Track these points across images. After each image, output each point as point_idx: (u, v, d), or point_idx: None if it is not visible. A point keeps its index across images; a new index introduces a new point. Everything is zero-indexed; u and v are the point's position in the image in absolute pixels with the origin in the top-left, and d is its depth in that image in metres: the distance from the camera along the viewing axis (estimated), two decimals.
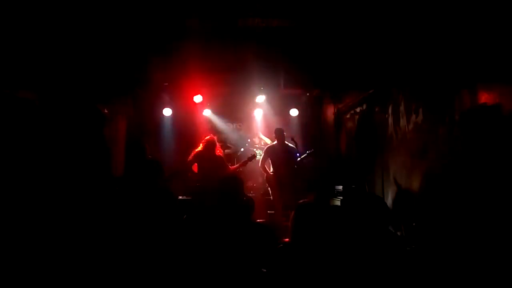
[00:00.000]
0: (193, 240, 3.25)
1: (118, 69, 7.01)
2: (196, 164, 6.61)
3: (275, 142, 7.04)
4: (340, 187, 7.30)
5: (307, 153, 6.89)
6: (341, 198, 7.16)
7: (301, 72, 7.84)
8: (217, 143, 6.83)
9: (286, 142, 6.98)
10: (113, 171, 7.86)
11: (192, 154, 6.61)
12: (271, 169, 6.94)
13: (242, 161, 7.07)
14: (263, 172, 7.09)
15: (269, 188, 7.01)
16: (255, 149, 8.57)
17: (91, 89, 6.43)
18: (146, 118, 9.04)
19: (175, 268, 3.07)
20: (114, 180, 7.40)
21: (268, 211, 7.30)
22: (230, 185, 3.52)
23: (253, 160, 6.88)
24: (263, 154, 7.14)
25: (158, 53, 6.86)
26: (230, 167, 6.71)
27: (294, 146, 6.97)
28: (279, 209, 6.75)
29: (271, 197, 6.98)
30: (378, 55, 6.07)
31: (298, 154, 6.87)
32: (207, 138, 6.70)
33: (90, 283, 3.18)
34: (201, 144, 6.66)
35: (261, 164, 7.03)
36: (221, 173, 6.21)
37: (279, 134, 6.98)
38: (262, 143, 8.90)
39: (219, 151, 6.74)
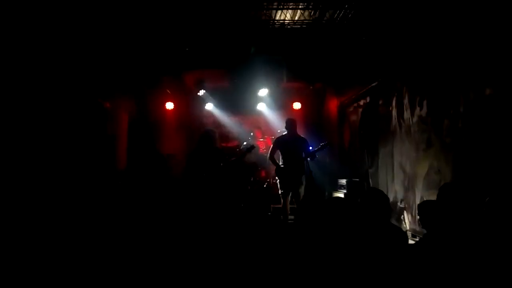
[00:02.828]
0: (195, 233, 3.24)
1: (122, 65, 6.99)
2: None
3: (285, 132, 6.54)
4: (344, 181, 7.26)
5: (321, 145, 6.30)
6: (345, 191, 7.13)
7: (304, 66, 7.80)
8: (216, 136, 6.44)
9: (297, 133, 6.49)
10: (115, 165, 7.90)
11: (189, 158, 6.14)
12: (281, 162, 6.42)
13: (241, 152, 6.97)
14: (272, 164, 6.61)
15: (277, 181, 6.51)
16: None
17: (94, 84, 6.42)
18: (148, 111, 9.05)
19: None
20: (117, 173, 7.43)
21: (272, 205, 7.23)
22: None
23: (252, 152, 6.70)
24: (272, 146, 6.68)
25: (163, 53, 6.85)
26: (230, 160, 6.58)
27: (305, 137, 6.54)
28: (286, 203, 6.31)
29: (279, 191, 6.43)
30: (382, 47, 6.01)
31: (310, 147, 6.47)
32: (203, 132, 6.30)
33: (95, 277, 3.18)
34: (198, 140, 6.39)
35: (269, 156, 6.58)
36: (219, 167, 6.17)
37: (290, 124, 6.46)
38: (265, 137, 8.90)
39: (218, 144, 6.48)
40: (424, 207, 3.05)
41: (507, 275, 2.41)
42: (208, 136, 6.21)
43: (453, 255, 2.60)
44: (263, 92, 9.01)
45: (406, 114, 5.61)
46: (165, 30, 6.32)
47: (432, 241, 2.85)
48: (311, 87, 9.33)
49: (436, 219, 2.88)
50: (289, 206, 6.34)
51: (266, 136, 9.02)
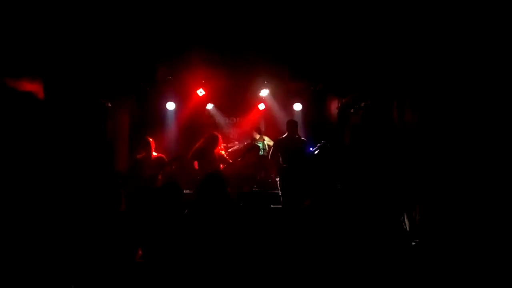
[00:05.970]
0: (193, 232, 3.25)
1: (123, 65, 7.00)
2: (196, 161, 6.55)
3: (286, 134, 6.60)
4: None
5: (319, 146, 6.24)
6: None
7: (305, 66, 7.81)
8: (220, 141, 6.66)
9: (297, 135, 6.56)
10: (116, 166, 7.89)
11: (192, 150, 6.51)
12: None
13: (241, 153, 7.04)
14: (273, 165, 6.69)
15: (278, 182, 6.60)
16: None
17: (95, 83, 6.43)
18: (149, 112, 9.05)
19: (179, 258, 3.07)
20: (117, 174, 7.43)
21: (272, 205, 7.21)
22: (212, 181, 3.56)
23: (252, 152, 6.78)
24: (272, 147, 6.76)
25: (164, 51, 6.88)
26: (230, 161, 6.70)
27: (305, 139, 6.67)
28: (286, 204, 6.33)
29: (279, 192, 6.51)
30: (384, 50, 6.01)
31: (311, 148, 6.48)
32: (209, 134, 6.62)
33: (94, 278, 3.18)
34: (201, 140, 6.62)
35: (270, 156, 6.66)
36: (219, 168, 6.31)
37: (291, 126, 6.55)
38: (264, 138, 8.90)
39: (220, 148, 6.69)
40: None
41: None
42: (211, 141, 6.40)
43: None
44: (264, 92, 9.01)
45: (407, 118, 5.61)
46: (165, 27, 6.33)
47: None
48: (312, 88, 9.32)
49: None
50: (288, 207, 6.37)
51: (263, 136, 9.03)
